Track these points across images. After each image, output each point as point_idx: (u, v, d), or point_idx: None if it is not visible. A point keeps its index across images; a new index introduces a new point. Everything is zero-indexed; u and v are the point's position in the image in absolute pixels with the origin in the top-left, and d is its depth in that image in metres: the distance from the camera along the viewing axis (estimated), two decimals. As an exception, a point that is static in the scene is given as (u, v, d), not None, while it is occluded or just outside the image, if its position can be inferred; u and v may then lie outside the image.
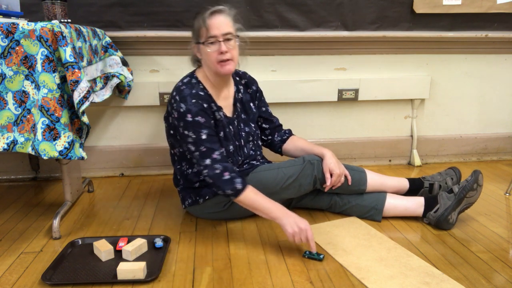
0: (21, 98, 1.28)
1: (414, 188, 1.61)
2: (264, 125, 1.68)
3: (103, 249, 1.29)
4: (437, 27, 2.13)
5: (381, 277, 1.20)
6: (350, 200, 1.57)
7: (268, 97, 2.06)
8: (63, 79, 1.29)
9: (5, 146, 1.28)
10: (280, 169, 1.51)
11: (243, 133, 1.56)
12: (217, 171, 1.34)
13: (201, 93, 1.44)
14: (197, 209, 1.57)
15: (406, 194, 1.61)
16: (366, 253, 1.33)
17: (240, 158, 1.53)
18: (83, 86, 1.29)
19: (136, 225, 1.56)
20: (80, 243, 1.40)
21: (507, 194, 1.85)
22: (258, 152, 1.63)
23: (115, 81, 1.75)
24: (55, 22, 1.31)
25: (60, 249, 1.38)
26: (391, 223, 1.55)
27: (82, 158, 1.30)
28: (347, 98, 2.14)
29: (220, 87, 1.52)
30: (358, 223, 1.54)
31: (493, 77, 2.29)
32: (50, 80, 1.25)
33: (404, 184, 1.61)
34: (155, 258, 1.30)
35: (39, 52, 1.24)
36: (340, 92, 2.12)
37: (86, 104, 1.29)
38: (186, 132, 1.38)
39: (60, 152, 1.26)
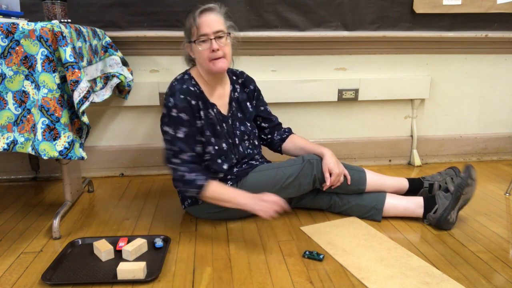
0: (21, 98, 1.28)
1: (414, 188, 1.61)
2: (263, 124, 1.68)
3: (103, 249, 1.29)
4: (437, 27, 2.13)
5: (381, 277, 1.20)
6: (350, 200, 1.57)
7: (268, 97, 2.06)
8: (63, 79, 1.29)
9: (5, 146, 1.28)
10: (280, 168, 1.51)
11: (238, 131, 1.56)
12: (182, 173, 1.37)
13: (192, 88, 1.44)
14: (197, 209, 1.57)
15: (406, 194, 1.61)
16: (366, 253, 1.33)
17: (234, 156, 1.52)
18: (83, 86, 1.29)
19: (136, 225, 1.56)
20: (80, 243, 1.40)
21: (507, 194, 1.85)
22: (256, 151, 1.62)
23: (115, 81, 1.75)
24: (55, 22, 1.31)
25: (60, 249, 1.38)
26: (391, 223, 1.55)
27: (82, 158, 1.30)
28: (347, 98, 2.14)
29: (214, 85, 1.52)
30: (358, 223, 1.54)
31: (493, 77, 2.29)
32: (50, 80, 1.25)
33: (404, 184, 1.61)
34: (155, 258, 1.30)
35: (39, 52, 1.24)
36: (340, 92, 2.12)
37: (86, 104, 1.29)
38: (166, 128, 1.41)
39: (60, 152, 1.26)
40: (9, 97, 1.28)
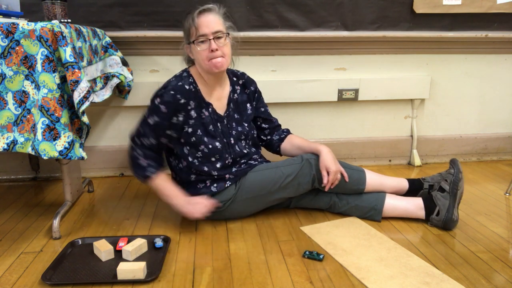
0: (21, 98, 1.28)
1: (414, 188, 1.61)
2: (263, 125, 1.68)
3: (103, 249, 1.29)
4: (437, 27, 2.13)
5: (381, 277, 1.20)
6: (350, 200, 1.57)
7: (268, 97, 2.06)
8: (63, 79, 1.29)
9: (5, 146, 1.28)
10: (279, 168, 1.51)
11: (234, 131, 1.55)
12: (137, 155, 1.46)
13: (187, 86, 1.44)
14: (197, 209, 1.57)
15: (406, 195, 1.61)
16: (366, 253, 1.33)
17: (228, 156, 1.52)
18: (83, 86, 1.29)
19: (136, 225, 1.56)
20: (80, 243, 1.40)
21: (507, 194, 1.85)
22: (253, 150, 1.62)
23: (115, 81, 1.75)
24: (55, 22, 1.31)
25: (60, 249, 1.38)
26: (391, 223, 1.55)
27: (82, 158, 1.30)
28: (347, 98, 2.14)
29: (213, 85, 1.52)
30: (358, 223, 1.54)
31: (493, 77, 2.29)
32: (50, 80, 1.25)
33: (404, 184, 1.61)
34: (155, 258, 1.30)
35: (39, 52, 1.24)
36: (340, 92, 2.12)
37: (86, 104, 1.29)
38: (145, 110, 1.46)
39: (60, 152, 1.26)
40: (9, 97, 1.28)
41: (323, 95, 2.12)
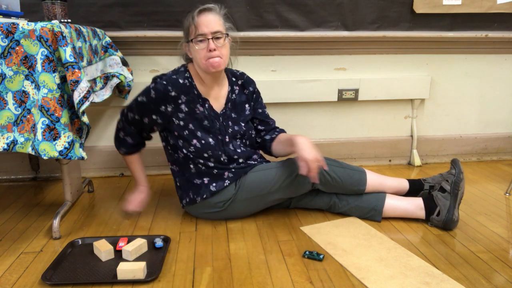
0: (21, 98, 1.28)
1: (414, 189, 1.61)
2: (259, 127, 1.67)
3: (103, 249, 1.29)
4: (437, 27, 2.13)
5: (381, 277, 1.20)
6: (350, 201, 1.57)
7: (268, 97, 2.06)
8: (63, 79, 1.29)
9: (5, 146, 1.28)
10: (279, 168, 1.51)
11: (230, 129, 1.55)
12: (120, 127, 1.56)
13: (181, 80, 1.46)
14: (196, 209, 1.57)
15: (406, 195, 1.61)
16: (366, 253, 1.33)
17: (221, 153, 1.51)
18: (83, 86, 1.29)
19: (136, 225, 1.56)
20: (80, 243, 1.40)
21: (507, 194, 1.85)
22: (250, 149, 1.61)
23: (115, 81, 1.75)
24: (55, 22, 1.31)
25: (60, 249, 1.38)
26: (391, 224, 1.55)
27: (82, 158, 1.30)
28: (347, 98, 2.14)
29: (211, 85, 1.52)
30: (358, 223, 1.54)
31: (493, 77, 2.29)
32: (50, 80, 1.25)
33: (404, 185, 1.61)
34: (155, 258, 1.30)
35: (39, 52, 1.24)
36: (340, 92, 2.12)
37: (86, 104, 1.29)
38: (140, 92, 1.50)
39: (60, 152, 1.26)
40: (9, 97, 1.28)
41: (323, 95, 2.12)
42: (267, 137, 1.66)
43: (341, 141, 2.25)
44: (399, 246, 1.38)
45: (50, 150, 1.25)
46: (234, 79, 1.61)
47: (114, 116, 2.06)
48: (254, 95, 1.65)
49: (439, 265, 1.27)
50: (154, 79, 1.49)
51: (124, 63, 1.87)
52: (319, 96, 2.12)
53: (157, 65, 2.02)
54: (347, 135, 2.26)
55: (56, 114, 1.25)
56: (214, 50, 1.40)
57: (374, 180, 1.56)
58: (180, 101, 1.46)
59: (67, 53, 1.25)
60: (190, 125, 1.48)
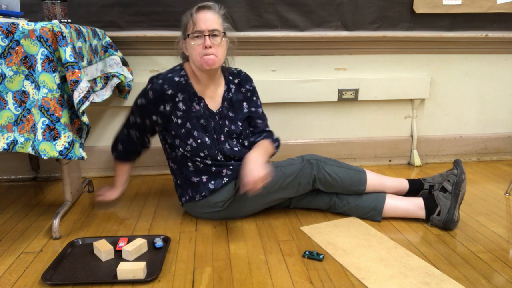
0: (21, 98, 1.28)
1: (414, 189, 1.61)
2: (249, 127, 1.64)
3: (103, 249, 1.29)
4: (437, 27, 2.13)
5: (381, 277, 1.20)
6: (350, 201, 1.57)
7: (268, 97, 2.06)
8: (63, 79, 1.29)
9: (5, 146, 1.28)
10: (279, 168, 1.51)
11: (226, 129, 1.54)
12: (119, 133, 1.62)
13: (177, 78, 1.47)
14: (196, 209, 1.57)
15: (406, 195, 1.61)
16: (366, 253, 1.33)
17: (217, 152, 1.51)
18: (83, 86, 1.29)
19: (136, 225, 1.56)
20: (80, 243, 1.40)
21: (507, 194, 1.85)
22: (246, 150, 1.60)
23: (115, 81, 1.75)
24: (55, 22, 1.31)
25: (60, 249, 1.38)
26: (391, 224, 1.55)
27: (82, 158, 1.30)
28: (347, 98, 2.14)
29: (206, 84, 1.52)
30: (358, 223, 1.54)
31: (493, 77, 2.29)
32: (50, 80, 1.25)
33: (404, 185, 1.61)
34: (155, 258, 1.30)
35: (39, 52, 1.24)
36: (340, 92, 2.12)
37: (86, 104, 1.29)
38: (137, 96, 1.52)
39: (60, 152, 1.26)
40: (9, 97, 1.28)
41: (323, 95, 2.12)
42: (252, 139, 1.62)
43: (341, 141, 2.25)
44: (399, 246, 1.38)
45: (50, 150, 1.25)
46: (230, 77, 1.61)
47: (114, 116, 2.06)
48: (249, 93, 1.63)
49: (439, 265, 1.27)
50: (150, 80, 1.49)
51: (124, 63, 1.87)
52: (319, 96, 2.12)
53: (157, 65, 2.02)
54: (347, 135, 2.26)
55: (56, 114, 1.25)
56: (210, 47, 1.40)
57: (374, 180, 1.56)
58: (177, 99, 1.47)
59: (67, 53, 1.25)
60: (188, 124, 1.48)
